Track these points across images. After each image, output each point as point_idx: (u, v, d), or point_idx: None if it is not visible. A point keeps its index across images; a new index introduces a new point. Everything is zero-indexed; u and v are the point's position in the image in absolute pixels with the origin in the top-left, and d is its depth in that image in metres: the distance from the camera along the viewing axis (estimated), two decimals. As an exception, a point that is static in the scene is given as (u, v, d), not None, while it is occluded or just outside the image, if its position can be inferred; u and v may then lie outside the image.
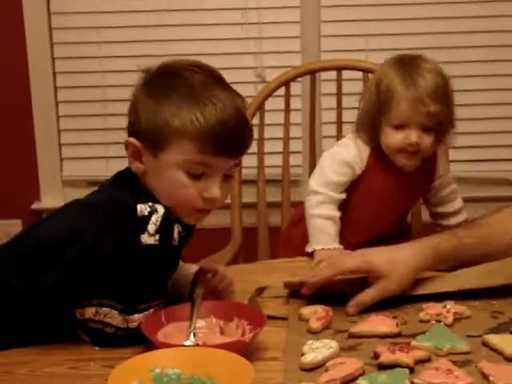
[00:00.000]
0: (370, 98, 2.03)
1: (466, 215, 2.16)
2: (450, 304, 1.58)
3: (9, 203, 2.85)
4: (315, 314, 1.52)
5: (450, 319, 1.54)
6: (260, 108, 2.41)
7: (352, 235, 2.08)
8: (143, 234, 1.43)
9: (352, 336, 1.48)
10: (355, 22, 2.86)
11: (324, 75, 2.61)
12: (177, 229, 1.50)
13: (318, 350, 1.40)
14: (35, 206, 2.92)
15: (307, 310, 1.54)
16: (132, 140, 1.51)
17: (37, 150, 2.91)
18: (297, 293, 1.68)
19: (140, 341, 1.43)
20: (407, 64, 2.00)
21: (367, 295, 1.60)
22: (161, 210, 1.46)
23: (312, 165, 2.36)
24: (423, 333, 1.47)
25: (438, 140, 2.02)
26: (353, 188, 2.06)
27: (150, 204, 1.46)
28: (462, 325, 1.53)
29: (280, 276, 1.79)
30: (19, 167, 2.91)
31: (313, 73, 2.45)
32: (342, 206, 2.05)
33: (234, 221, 2.42)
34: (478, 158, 2.95)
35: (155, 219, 1.44)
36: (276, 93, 2.43)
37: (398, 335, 1.48)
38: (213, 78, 1.55)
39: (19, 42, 2.83)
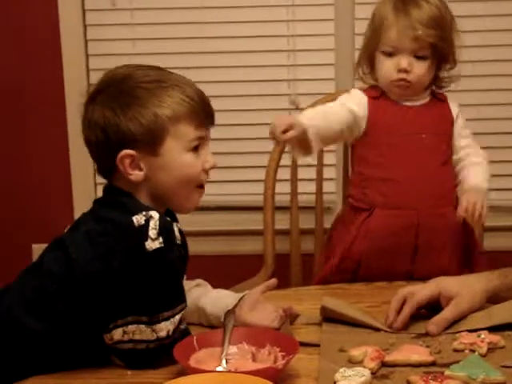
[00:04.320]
0: (367, 31, 2.10)
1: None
2: (484, 334, 1.57)
3: (44, 227, 2.86)
4: (367, 354, 1.50)
5: (484, 349, 1.53)
6: (294, 135, 2.42)
7: (395, 199, 2.06)
8: (146, 241, 1.46)
9: (385, 365, 1.48)
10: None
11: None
12: (176, 227, 1.54)
13: (350, 377, 1.40)
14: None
15: (358, 352, 1.51)
16: (126, 151, 1.54)
17: (72, 178, 2.93)
18: (330, 318, 1.69)
19: (170, 352, 1.45)
20: None
21: (447, 313, 1.64)
22: (155, 214, 1.49)
23: (345, 192, 2.36)
24: (457, 362, 1.46)
25: (433, 70, 2.05)
26: (370, 146, 2.09)
27: (143, 213, 1.49)
28: (497, 355, 1.52)
29: (312, 303, 1.79)
30: (55, 194, 2.93)
31: (347, 100, 2.46)
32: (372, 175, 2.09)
33: (266, 247, 2.42)
34: (502, 187, 2.89)
35: (153, 224, 1.48)
36: (310, 120, 2.44)
37: (432, 364, 1.48)
38: (160, 69, 1.63)
39: (57, 77, 2.87)
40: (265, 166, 2.41)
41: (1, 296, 1.59)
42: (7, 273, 1.63)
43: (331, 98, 2.47)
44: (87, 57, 2.88)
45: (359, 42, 2.77)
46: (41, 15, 2.83)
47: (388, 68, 2.03)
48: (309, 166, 2.44)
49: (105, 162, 1.59)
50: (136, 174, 1.55)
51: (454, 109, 2.12)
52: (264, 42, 2.85)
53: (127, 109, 1.54)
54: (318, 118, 2.05)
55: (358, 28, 2.80)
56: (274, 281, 1.73)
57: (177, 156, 1.57)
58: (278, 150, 2.40)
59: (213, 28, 2.84)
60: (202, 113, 1.59)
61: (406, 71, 2.01)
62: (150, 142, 1.54)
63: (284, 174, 2.44)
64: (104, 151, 1.57)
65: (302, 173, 2.46)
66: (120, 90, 1.56)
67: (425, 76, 2.04)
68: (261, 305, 1.67)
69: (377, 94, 2.11)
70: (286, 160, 2.42)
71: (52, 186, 2.92)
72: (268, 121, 2.73)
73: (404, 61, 2.00)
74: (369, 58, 2.10)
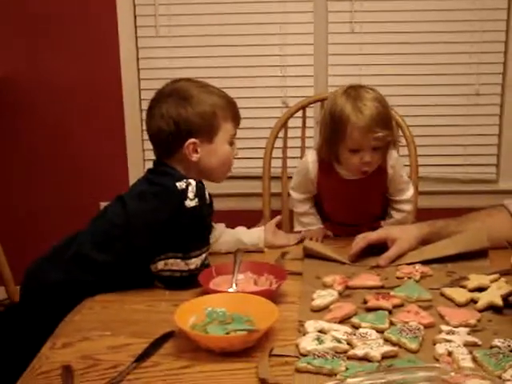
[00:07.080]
0: (326, 125, 1.84)
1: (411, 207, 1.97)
2: (418, 266, 1.58)
3: (108, 190, 2.85)
4: (335, 280, 1.49)
5: (417, 277, 1.53)
6: (284, 125, 2.40)
7: (333, 217, 1.98)
8: (186, 200, 1.46)
9: (348, 288, 1.48)
10: (355, 65, 2.82)
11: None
12: (207, 191, 1.53)
13: (323, 296, 1.40)
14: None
15: (329, 278, 1.50)
16: (192, 140, 1.54)
17: (128, 156, 2.92)
18: (310, 255, 1.68)
19: (197, 278, 1.45)
20: (353, 95, 1.80)
21: (391, 252, 1.63)
22: (193, 182, 1.49)
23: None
24: (399, 286, 1.46)
25: (384, 154, 1.85)
26: (318, 188, 1.93)
27: (184, 180, 1.48)
28: (426, 281, 1.52)
29: (297, 245, 1.79)
30: (117, 167, 2.92)
31: (322, 100, 2.43)
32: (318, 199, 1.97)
33: (264, 205, 2.40)
34: (436, 163, 2.88)
35: (191, 188, 1.47)
36: (296, 115, 2.41)
37: (381, 287, 1.48)
38: (203, 81, 1.62)
39: (117, 84, 2.85)
40: (263, 148, 2.39)
41: (75, 237, 1.58)
42: (82, 223, 1.62)
43: (310, 99, 2.46)
44: (138, 71, 2.86)
45: (332, 59, 2.78)
46: (105, 44, 2.83)
47: (354, 163, 1.81)
48: (295, 147, 2.43)
49: (169, 146, 1.55)
50: (195, 157, 1.55)
51: (390, 171, 1.89)
52: (269, 63, 2.83)
53: (189, 109, 1.52)
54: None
55: (330, 60, 2.78)
56: (279, 217, 1.84)
57: (222, 145, 1.58)
58: (273, 136, 2.38)
59: (226, 49, 2.82)
60: (237, 115, 1.60)
61: (367, 163, 1.81)
62: (209, 132, 1.55)
63: (277, 153, 2.43)
64: (173, 138, 1.54)
65: (290, 152, 2.44)
66: (185, 96, 1.54)
67: (379, 160, 1.84)
68: (277, 232, 1.78)
69: (328, 167, 1.89)
70: (278, 143, 2.41)
71: (115, 161, 2.92)
72: (266, 115, 2.75)
73: (367, 157, 1.79)
74: (331, 147, 1.83)
